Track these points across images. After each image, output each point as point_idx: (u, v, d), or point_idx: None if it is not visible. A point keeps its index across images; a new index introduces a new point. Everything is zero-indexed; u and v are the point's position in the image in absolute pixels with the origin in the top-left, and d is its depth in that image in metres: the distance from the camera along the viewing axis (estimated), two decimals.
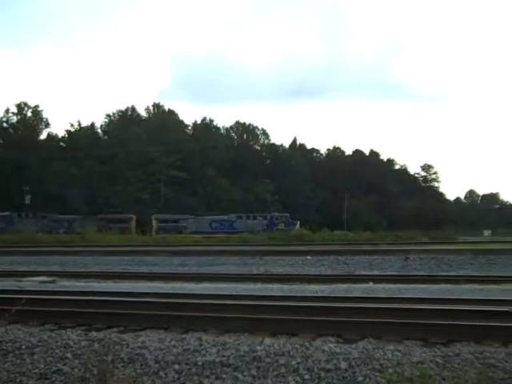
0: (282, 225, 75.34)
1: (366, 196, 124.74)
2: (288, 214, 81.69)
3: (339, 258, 26.13)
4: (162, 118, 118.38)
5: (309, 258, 26.10)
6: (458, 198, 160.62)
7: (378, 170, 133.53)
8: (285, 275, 20.09)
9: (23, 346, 8.45)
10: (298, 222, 77.46)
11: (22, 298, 10.12)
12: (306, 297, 12.62)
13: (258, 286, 17.26)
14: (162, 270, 22.94)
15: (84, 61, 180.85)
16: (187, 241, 52.29)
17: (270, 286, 17.31)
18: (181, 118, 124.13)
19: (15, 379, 7.27)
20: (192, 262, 25.23)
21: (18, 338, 8.91)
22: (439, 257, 26.46)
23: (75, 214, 79.08)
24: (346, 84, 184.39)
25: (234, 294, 13.13)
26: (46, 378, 7.20)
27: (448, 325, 8.50)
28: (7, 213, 73.17)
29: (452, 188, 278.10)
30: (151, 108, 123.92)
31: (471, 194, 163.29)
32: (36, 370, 7.48)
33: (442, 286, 16.32)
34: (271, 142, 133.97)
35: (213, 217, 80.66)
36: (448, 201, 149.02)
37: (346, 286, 16.72)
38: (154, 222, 76.98)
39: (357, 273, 21.18)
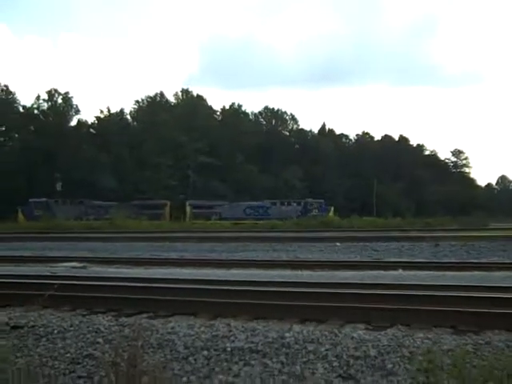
0: (316, 211, 74.43)
1: (395, 182, 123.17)
2: (322, 200, 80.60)
3: (368, 244, 26.02)
4: (191, 103, 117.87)
5: (338, 244, 26.03)
6: (489, 184, 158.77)
7: (407, 156, 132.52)
8: (314, 262, 19.99)
9: (55, 331, 8.53)
10: (332, 208, 76.82)
11: (54, 284, 10.24)
12: (335, 283, 12.40)
13: (288, 272, 17.13)
14: (191, 256, 22.98)
15: (113, 48, 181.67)
16: (215, 227, 52.24)
17: (300, 272, 17.23)
18: (209, 103, 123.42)
19: (47, 363, 7.34)
20: (221, 249, 25.30)
21: (50, 322, 8.99)
22: (470, 243, 26.17)
23: (107, 200, 78.48)
24: (375, 68, 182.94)
25: (264, 280, 13.08)
26: (78, 363, 7.27)
27: (479, 313, 8.42)
28: (44, 199, 72.93)
29: (483, 174, 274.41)
30: (180, 94, 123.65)
31: (503, 179, 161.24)
32: (68, 355, 7.55)
33: (474, 273, 16.01)
34: (300, 127, 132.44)
35: (247, 203, 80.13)
36: (479, 187, 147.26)
37: (375, 272, 16.52)
38: (189, 208, 76.75)
39: (386, 259, 20.98)
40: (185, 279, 13.39)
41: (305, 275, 15.95)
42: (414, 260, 20.45)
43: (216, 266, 19.19)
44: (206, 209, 77.09)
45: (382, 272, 16.58)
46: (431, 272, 16.21)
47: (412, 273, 16.20)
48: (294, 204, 77.82)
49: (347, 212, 74.45)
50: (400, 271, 16.81)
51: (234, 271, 17.58)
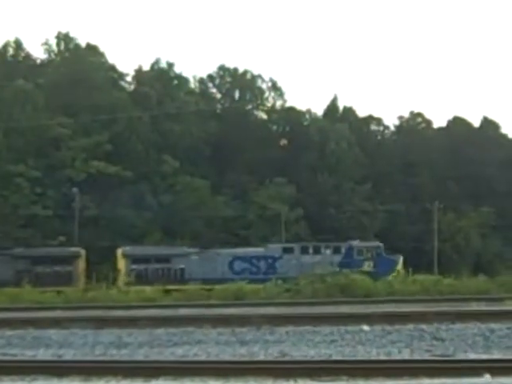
0: (371, 264, 48.39)
1: (476, 204, 78.95)
2: (380, 244, 52.13)
3: (424, 327, 15.67)
4: (76, 60, 72.91)
5: (365, 328, 15.89)
6: None
7: (498, 155, 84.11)
8: (318, 362, 11.08)
9: None
10: (401, 259, 50.38)
11: None
12: None
13: None
14: (78, 355, 13.72)
15: None
16: (129, 299, 32.49)
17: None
18: (111, 61, 79.99)
19: None
20: (138, 340, 15.51)
21: None
22: None
23: None
24: None
25: None
26: None
27: None
28: None
29: None
30: (54, 43, 78.58)
31: None
32: None
33: None
34: (287, 104, 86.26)
35: (235, 250, 51.60)
36: None
37: (439, 382, 9.90)
38: (123, 262, 48.21)
39: (460, 357, 12.10)
40: None
41: None
42: None
43: (125, 373, 10.25)
44: (157, 262, 48.12)
45: (453, 380, 10.04)
46: None
47: (510, 381, 9.73)
48: (328, 250, 49.73)
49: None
50: (487, 378, 10.19)
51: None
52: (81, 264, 48.52)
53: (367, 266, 47.12)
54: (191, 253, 49.28)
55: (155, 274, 46.59)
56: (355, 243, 51.05)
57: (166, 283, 41.66)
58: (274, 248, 50.20)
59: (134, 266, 47.53)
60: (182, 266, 47.71)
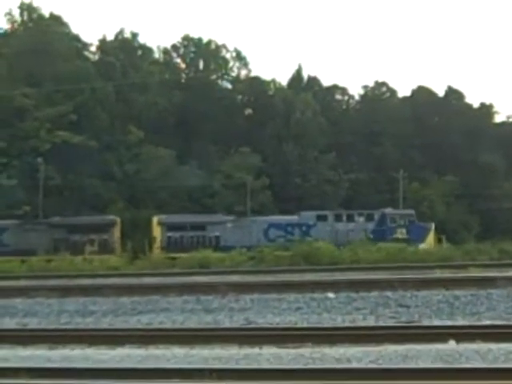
0: (404, 231, 48.23)
1: (442, 174, 79.67)
2: (413, 211, 52.28)
3: (390, 294, 15.63)
4: (40, 30, 71.25)
5: (331, 295, 15.88)
6: None
7: (462, 124, 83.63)
8: (284, 329, 11.26)
9: None
10: (433, 226, 50.40)
11: None
12: (327, 370, 7.70)
13: (234, 351, 9.98)
14: (44, 323, 13.80)
15: None
16: (93, 268, 32.97)
17: (257, 351, 10.02)
18: (75, 31, 78.08)
19: None
20: (104, 309, 15.60)
21: None
22: None
23: None
24: None
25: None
26: None
27: None
28: None
29: None
30: (17, 13, 76.39)
31: None
32: None
33: None
34: (252, 74, 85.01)
35: (270, 217, 52.41)
36: None
37: (404, 348, 9.87)
38: (158, 230, 49.05)
39: (424, 323, 12.31)
40: None
41: (266, 357, 9.35)
42: (479, 323, 11.86)
43: (91, 341, 10.34)
44: (193, 230, 48.55)
45: (418, 347, 9.84)
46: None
47: (475, 347, 9.77)
48: (361, 218, 49.76)
49: None
50: (451, 343, 10.29)
51: (126, 351, 10.13)
52: (116, 232, 49.27)
53: (400, 234, 47.57)
54: (227, 221, 50.09)
55: (190, 242, 47.03)
56: (388, 211, 51.41)
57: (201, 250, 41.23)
58: (308, 216, 50.14)
59: (169, 234, 48.44)
60: (218, 234, 48.31)
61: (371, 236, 46.05)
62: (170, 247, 46.75)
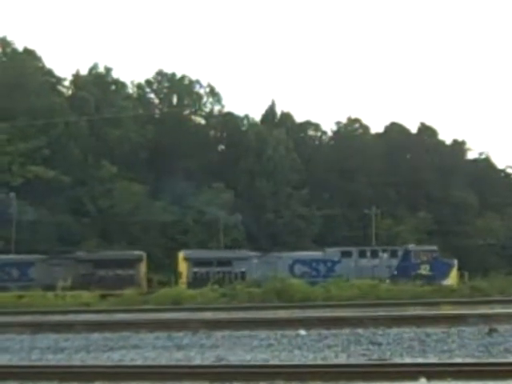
0: (427, 267, 48.02)
1: (413, 209, 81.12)
2: (436, 248, 52.45)
3: (361, 331, 15.60)
4: (14, 65, 71.88)
5: (302, 332, 15.93)
6: None
7: (435, 161, 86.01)
8: (254, 367, 11.05)
9: None
10: (456, 262, 50.05)
11: None
12: None
13: None
14: (13, 359, 13.59)
15: None
16: (66, 304, 31.60)
17: None
18: (48, 65, 78.92)
19: None
20: (74, 345, 15.39)
21: None
22: None
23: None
24: None
25: None
26: None
27: None
28: None
29: None
30: None
31: None
32: None
33: None
34: (226, 109, 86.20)
35: (295, 253, 52.42)
36: None
37: None
38: (184, 265, 48.90)
39: (395, 361, 12.12)
40: None
41: None
42: (450, 361, 11.64)
43: (61, 378, 10.13)
44: (219, 265, 48.67)
45: None
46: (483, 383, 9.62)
47: None
48: (385, 254, 49.76)
49: None
50: (423, 382, 10.04)
51: None
52: (142, 267, 48.92)
53: (424, 270, 47.52)
54: (252, 256, 50.24)
55: (217, 277, 45.79)
56: (411, 247, 51.56)
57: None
58: (333, 252, 50.34)
59: (195, 269, 48.23)
60: (243, 270, 48.07)
61: (395, 272, 46.63)
62: (195, 282, 45.34)
